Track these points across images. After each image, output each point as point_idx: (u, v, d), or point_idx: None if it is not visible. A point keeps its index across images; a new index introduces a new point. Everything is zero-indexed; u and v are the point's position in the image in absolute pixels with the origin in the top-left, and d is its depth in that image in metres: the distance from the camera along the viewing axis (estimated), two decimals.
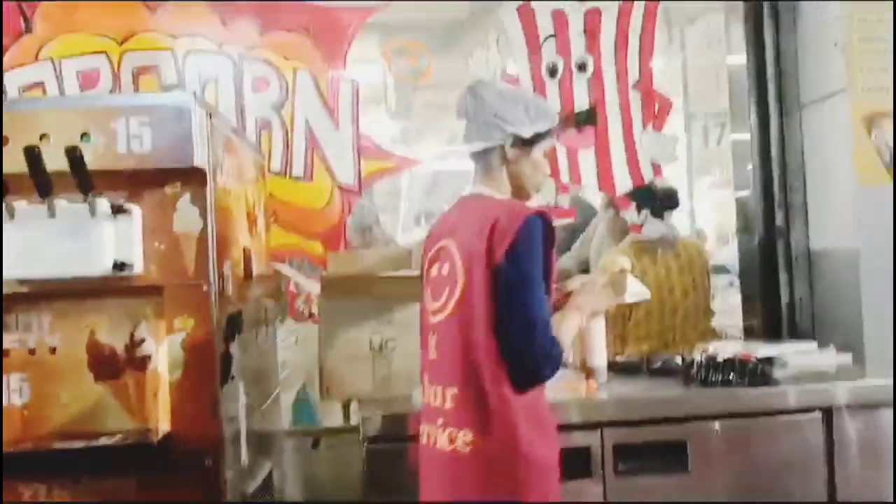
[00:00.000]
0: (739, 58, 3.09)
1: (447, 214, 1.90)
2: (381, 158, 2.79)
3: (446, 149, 3.97)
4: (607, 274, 1.98)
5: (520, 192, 1.85)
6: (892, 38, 2.62)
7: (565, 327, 1.74)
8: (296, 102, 2.74)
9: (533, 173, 1.84)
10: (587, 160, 2.95)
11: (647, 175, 2.98)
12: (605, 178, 2.96)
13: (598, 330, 2.30)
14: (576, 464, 1.98)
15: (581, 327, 1.85)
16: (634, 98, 2.96)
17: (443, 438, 1.70)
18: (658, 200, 2.94)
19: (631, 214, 2.97)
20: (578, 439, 2.02)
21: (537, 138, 1.81)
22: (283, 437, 2.65)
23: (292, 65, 2.75)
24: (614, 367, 2.43)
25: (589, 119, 2.93)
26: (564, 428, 1.97)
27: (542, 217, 1.70)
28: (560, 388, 2.12)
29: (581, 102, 2.95)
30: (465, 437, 1.66)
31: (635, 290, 1.95)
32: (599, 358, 2.29)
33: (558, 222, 2.78)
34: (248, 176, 2.42)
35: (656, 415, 2.13)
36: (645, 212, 2.93)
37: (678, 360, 2.43)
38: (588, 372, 2.26)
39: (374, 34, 3.05)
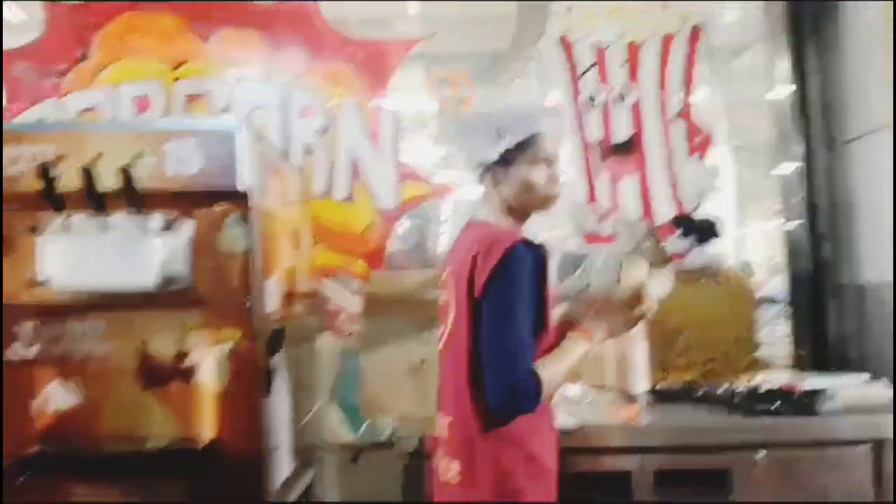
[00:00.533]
0: (784, 90, 3.09)
1: (456, 240, 1.83)
2: (420, 183, 2.83)
3: None
4: (627, 289, 1.75)
5: (513, 213, 1.75)
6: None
7: (566, 355, 1.63)
8: (339, 129, 2.81)
9: (522, 192, 1.71)
10: (629, 188, 2.95)
11: (690, 205, 2.97)
12: (646, 206, 2.95)
13: (641, 355, 2.28)
14: (615, 489, 1.95)
15: (593, 351, 1.69)
16: (677, 129, 2.96)
17: (442, 467, 1.69)
18: (700, 230, 2.92)
19: (673, 244, 2.95)
20: (619, 464, 2.00)
21: (512, 155, 1.70)
22: (324, 450, 2.67)
23: (337, 92, 2.83)
24: (656, 395, 2.40)
25: (627, 147, 2.93)
26: (604, 451, 1.96)
27: (529, 245, 1.60)
28: (602, 413, 2.10)
29: (622, 132, 2.96)
30: (455, 468, 1.63)
31: (659, 291, 1.75)
32: (642, 384, 2.26)
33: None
34: (292, 198, 2.49)
35: (698, 442, 2.09)
36: (687, 241, 2.91)
37: (722, 388, 2.39)
38: (630, 398, 2.23)
39: (418, 64, 3.12)
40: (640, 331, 2.30)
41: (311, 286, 2.62)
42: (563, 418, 2.04)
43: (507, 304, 1.54)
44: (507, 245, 1.56)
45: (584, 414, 2.10)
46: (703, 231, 2.93)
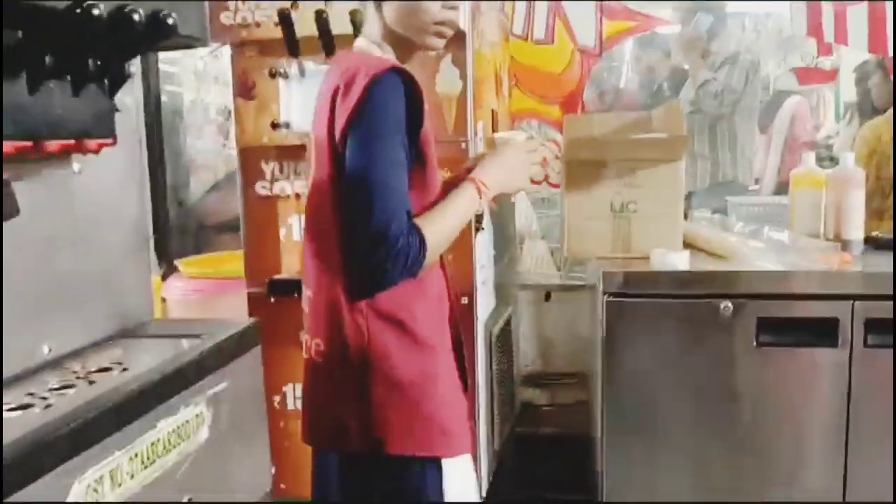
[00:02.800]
0: None
1: (327, 75, 1.40)
2: (624, 18, 2.71)
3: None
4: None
5: (397, 43, 1.36)
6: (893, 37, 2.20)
7: (452, 207, 1.33)
8: None
9: (410, 14, 1.32)
10: (857, 19, 2.65)
11: None
12: (876, 38, 2.65)
13: (856, 202, 2.17)
14: (823, 335, 1.95)
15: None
16: None
17: (306, 345, 1.37)
18: None
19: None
20: (827, 310, 1.97)
21: None
22: (519, 289, 2.85)
23: None
24: (870, 242, 2.29)
25: None
26: (814, 297, 1.94)
27: (401, 73, 1.25)
28: (813, 259, 2.06)
29: None
30: (318, 346, 1.33)
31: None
32: (856, 231, 2.17)
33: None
34: (494, 39, 2.49)
35: None
36: None
37: None
38: (843, 244, 2.16)
39: None
40: (856, 178, 2.18)
41: (510, 130, 2.68)
42: (771, 265, 2.03)
43: (375, 146, 1.23)
44: (373, 74, 1.22)
45: (794, 259, 2.07)
46: None
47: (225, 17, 2.11)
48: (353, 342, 1.30)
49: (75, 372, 1.01)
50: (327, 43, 1.95)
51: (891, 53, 2.69)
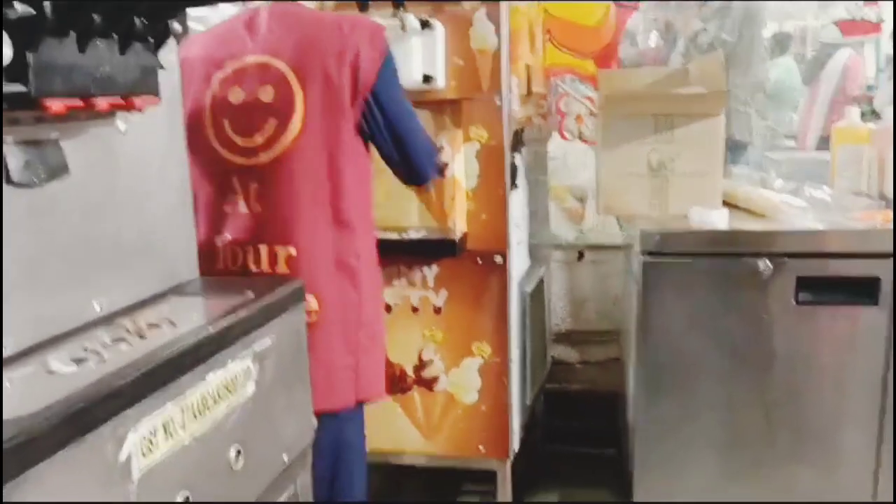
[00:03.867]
0: None
1: (246, 26, 1.53)
2: None
3: None
4: None
5: None
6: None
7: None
8: None
9: None
10: None
11: None
12: None
13: None
14: (864, 293, 1.92)
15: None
16: None
17: None
18: None
19: None
20: (868, 269, 1.94)
21: None
22: (551, 249, 2.84)
23: None
24: None
25: None
26: (854, 256, 1.91)
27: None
28: (856, 217, 2.02)
29: None
30: (310, 305, 1.41)
31: None
32: None
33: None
34: None
35: None
36: None
37: None
38: (886, 201, 2.12)
39: None
40: None
41: (544, 86, 2.64)
42: (812, 223, 2.00)
43: (402, 94, 1.57)
44: (383, 31, 1.52)
45: (835, 217, 2.03)
46: None
47: None
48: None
49: (126, 328, 1.03)
50: None
51: None
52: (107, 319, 1.07)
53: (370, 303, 1.59)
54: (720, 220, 1.98)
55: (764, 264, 1.91)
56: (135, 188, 1.14)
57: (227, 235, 1.50)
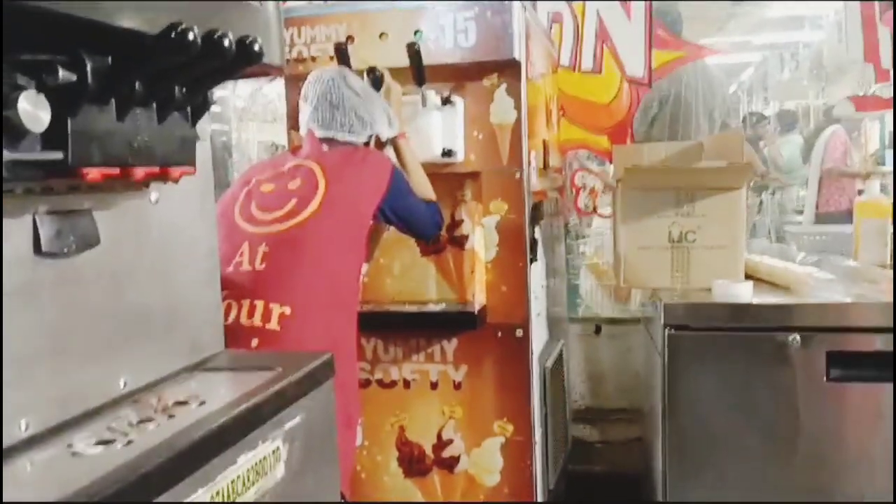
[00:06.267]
0: None
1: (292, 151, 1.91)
2: (674, 47, 2.69)
3: (744, 38, 3.69)
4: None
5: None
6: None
7: (415, 169, 1.87)
8: None
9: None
10: None
11: None
12: None
13: None
14: (875, 369, 1.87)
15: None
16: None
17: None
18: None
19: None
20: (881, 343, 1.89)
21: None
22: (568, 322, 2.79)
23: None
24: None
25: None
26: (885, 330, 1.87)
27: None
28: (883, 290, 1.98)
29: None
30: None
31: None
32: None
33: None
34: (544, 69, 2.48)
35: None
36: None
37: None
38: None
39: None
40: None
41: (559, 161, 2.65)
42: (839, 296, 1.96)
43: (407, 187, 1.79)
44: (391, 163, 1.79)
45: (863, 290, 2.00)
46: None
47: None
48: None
49: (153, 406, 0.98)
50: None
51: None
52: (133, 395, 1.01)
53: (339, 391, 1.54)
54: (745, 292, 1.94)
55: (793, 338, 1.86)
56: (163, 259, 1.10)
57: (225, 291, 1.49)
